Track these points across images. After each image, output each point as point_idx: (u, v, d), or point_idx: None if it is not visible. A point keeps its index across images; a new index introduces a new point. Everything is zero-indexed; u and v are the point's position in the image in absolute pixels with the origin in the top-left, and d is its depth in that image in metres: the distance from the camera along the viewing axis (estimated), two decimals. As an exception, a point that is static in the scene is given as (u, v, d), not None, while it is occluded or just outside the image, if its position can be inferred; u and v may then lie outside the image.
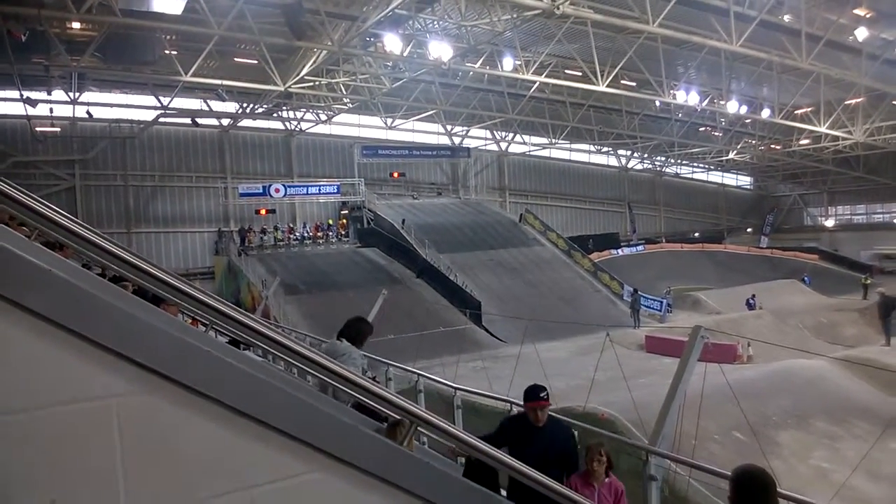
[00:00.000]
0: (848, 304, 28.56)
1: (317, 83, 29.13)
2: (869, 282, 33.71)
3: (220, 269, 32.59)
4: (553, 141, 43.40)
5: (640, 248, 44.00)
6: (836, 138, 36.59)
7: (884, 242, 49.35)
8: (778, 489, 2.70)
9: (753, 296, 28.83)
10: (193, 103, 32.88)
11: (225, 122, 35.24)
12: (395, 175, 40.12)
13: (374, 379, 4.65)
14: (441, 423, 2.48)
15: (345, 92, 31.78)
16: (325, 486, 1.90)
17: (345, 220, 36.16)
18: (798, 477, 11.16)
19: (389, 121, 38.85)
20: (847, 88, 31.19)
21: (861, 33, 25.41)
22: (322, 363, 2.37)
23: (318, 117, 37.16)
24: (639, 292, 29.16)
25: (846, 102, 33.31)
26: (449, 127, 42.18)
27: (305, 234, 34.85)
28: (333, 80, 29.71)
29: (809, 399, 13.78)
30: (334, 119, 37.74)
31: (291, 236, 34.32)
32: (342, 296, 26.32)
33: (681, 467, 8.32)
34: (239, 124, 35.71)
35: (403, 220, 34.05)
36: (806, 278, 35.30)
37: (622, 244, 44.16)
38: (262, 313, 20.47)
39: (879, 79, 28.63)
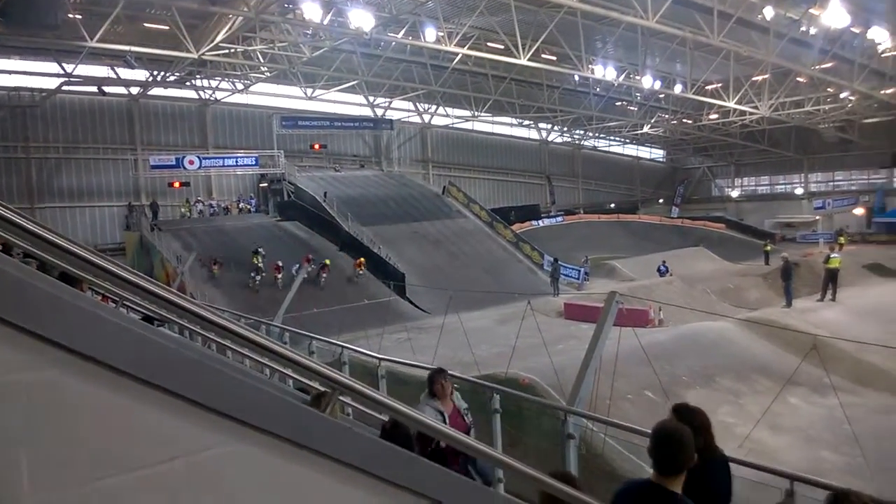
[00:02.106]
0: (752, 270, 30.25)
1: (232, 50, 28.11)
2: (770, 248, 35.69)
3: (131, 244, 31.24)
4: (476, 113, 43.59)
5: (559, 219, 45.05)
6: (743, 113, 38.31)
7: (785, 211, 52.52)
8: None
9: (664, 263, 30.08)
10: (100, 70, 31.17)
11: (134, 90, 33.53)
12: (316, 147, 39.27)
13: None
14: (364, 390, 2.50)
15: (262, 60, 30.80)
16: (245, 456, 1.88)
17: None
18: (705, 433, 11.84)
19: (310, 91, 38.00)
20: (755, 65, 32.61)
21: (769, 12, 26.53)
22: (239, 332, 2.34)
23: (235, 86, 35.93)
24: (558, 262, 29.91)
25: (753, 79, 34.86)
26: (371, 98, 41.63)
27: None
28: (250, 48, 28.73)
29: (716, 359, 14.59)
30: (252, 88, 36.60)
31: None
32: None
33: (597, 425, 8.71)
34: (149, 93, 34.08)
35: (325, 193, 33.55)
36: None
37: (543, 215, 45.09)
38: (177, 290, 19.83)
39: (784, 56, 30.03)
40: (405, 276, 27.10)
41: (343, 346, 10.75)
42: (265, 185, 36.06)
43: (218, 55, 28.27)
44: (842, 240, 41.76)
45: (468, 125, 46.57)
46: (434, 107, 44.03)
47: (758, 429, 11.32)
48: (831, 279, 19.28)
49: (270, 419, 1.92)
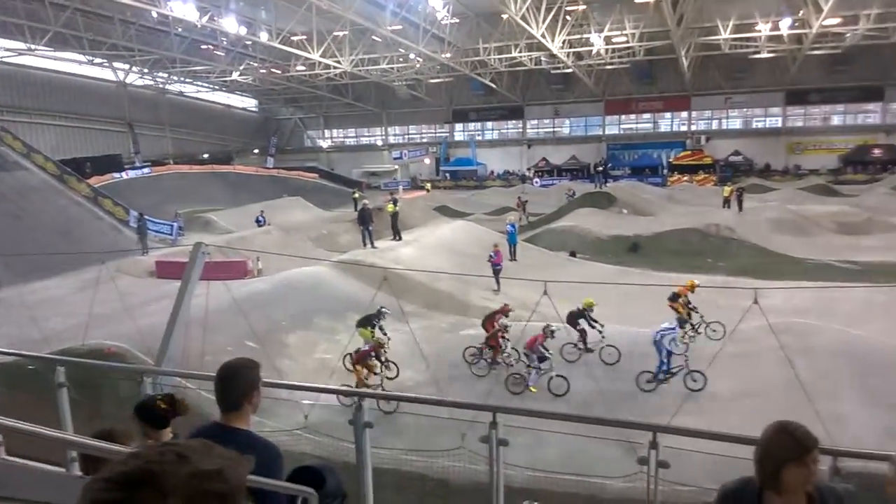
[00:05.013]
0: (343, 217, 32.28)
1: None
2: (358, 195, 38.52)
3: None
4: (32, 47, 36.79)
5: (146, 170, 41.58)
6: (328, 66, 40.04)
7: (370, 161, 57.54)
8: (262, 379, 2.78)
9: (262, 213, 30.18)
10: None
11: None
12: None
13: None
14: None
15: None
16: None
17: None
18: (305, 370, 12.29)
19: None
20: (336, 20, 34.07)
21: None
22: None
23: None
24: (145, 217, 27.54)
25: (335, 34, 36.48)
26: None
27: None
28: None
29: (313, 301, 15.21)
30: None
31: None
32: None
33: (191, 381, 8.28)
34: None
35: None
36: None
37: (126, 167, 41.01)
38: None
39: (361, 14, 32.02)
40: (-57, 243, 21.85)
41: None
42: None
43: None
44: (428, 186, 47.98)
45: (23, 60, 39.13)
46: (-28, 35, 35.79)
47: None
48: (394, 222, 21.85)
49: None
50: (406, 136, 59.71)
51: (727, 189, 32.55)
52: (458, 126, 57.66)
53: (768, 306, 13.11)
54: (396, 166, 55.97)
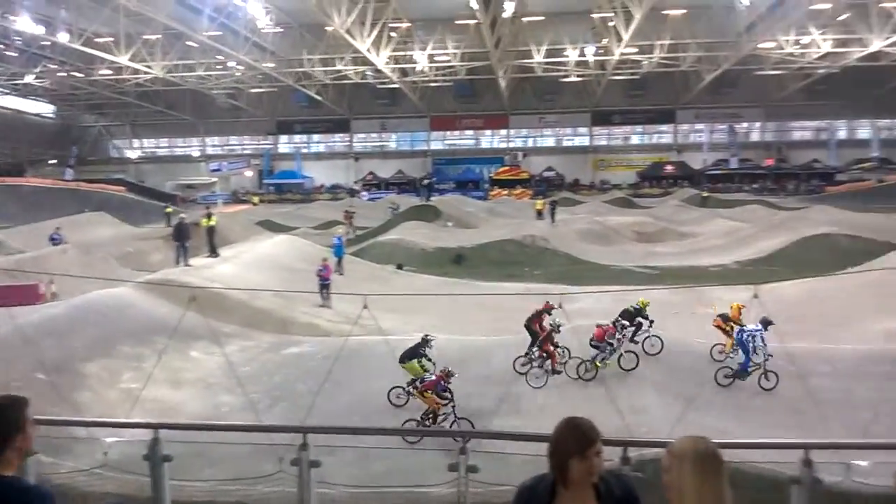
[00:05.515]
0: (153, 233, 30.08)
1: None
2: (172, 210, 36.11)
3: None
4: None
5: (-84, 183, 36.13)
6: (137, 71, 37.39)
7: (185, 174, 54.39)
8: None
9: (58, 230, 27.30)
10: None
11: None
12: None
13: None
14: None
15: None
16: None
17: None
18: (106, 402, 11.12)
19: None
20: (146, 23, 31.93)
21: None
22: None
23: None
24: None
25: (146, 37, 34.17)
26: None
27: None
28: None
29: (116, 326, 13.84)
30: None
31: None
32: None
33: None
34: None
35: None
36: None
37: None
38: None
39: (175, 18, 30.28)
40: None
41: None
42: None
43: None
44: (255, 199, 46.40)
45: None
46: None
47: (160, 387, 11.21)
48: (211, 237, 20.77)
49: None
50: (226, 148, 57.25)
51: (539, 202, 34.91)
52: (283, 138, 56.39)
53: (577, 310, 14.09)
54: (215, 179, 53.48)
